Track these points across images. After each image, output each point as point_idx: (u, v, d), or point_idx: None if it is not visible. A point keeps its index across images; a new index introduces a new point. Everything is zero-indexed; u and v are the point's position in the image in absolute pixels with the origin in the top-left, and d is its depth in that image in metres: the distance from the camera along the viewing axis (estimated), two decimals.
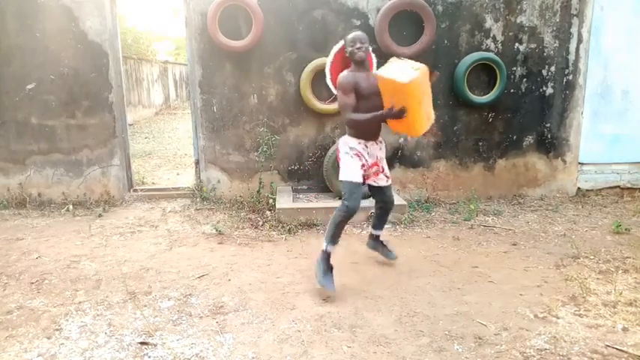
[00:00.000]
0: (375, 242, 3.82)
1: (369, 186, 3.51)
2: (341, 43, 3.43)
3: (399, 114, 2.96)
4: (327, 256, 3.26)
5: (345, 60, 3.42)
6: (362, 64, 3.26)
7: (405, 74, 2.91)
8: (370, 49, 3.41)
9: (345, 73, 3.26)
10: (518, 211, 5.33)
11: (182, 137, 11.20)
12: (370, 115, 3.13)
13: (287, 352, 2.57)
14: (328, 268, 3.25)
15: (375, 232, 3.80)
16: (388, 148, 5.35)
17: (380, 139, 3.43)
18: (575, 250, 4.06)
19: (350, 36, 3.25)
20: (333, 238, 3.24)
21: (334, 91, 3.44)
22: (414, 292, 3.29)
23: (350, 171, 3.24)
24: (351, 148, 3.29)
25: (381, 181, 3.48)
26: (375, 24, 5.27)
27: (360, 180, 3.26)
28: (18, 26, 5.14)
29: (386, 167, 3.50)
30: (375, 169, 3.41)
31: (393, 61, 3.11)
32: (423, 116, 3.09)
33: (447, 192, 5.73)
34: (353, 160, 3.27)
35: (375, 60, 3.65)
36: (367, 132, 3.31)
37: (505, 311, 3.01)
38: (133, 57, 14.48)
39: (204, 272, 3.63)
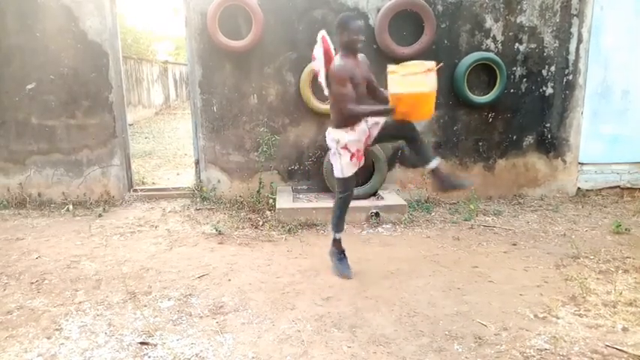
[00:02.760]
0: (437, 176, 3.31)
1: (378, 139, 3.38)
2: (321, 34, 3.26)
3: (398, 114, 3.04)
4: (337, 243, 3.54)
5: (327, 52, 3.28)
6: (356, 53, 3.25)
7: (421, 82, 2.95)
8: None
9: (340, 61, 3.16)
10: (519, 211, 5.33)
11: (182, 137, 11.20)
12: (371, 109, 3.18)
13: (287, 352, 2.57)
14: (341, 254, 3.54)
15: (429, 167, 3.28)
16: (389, 147, 5.34)
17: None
18: (575, 250, 4.06)
19: (356, 24, 3.17)
20: (338, 226, 3.50)
21: (326, 93, 3.29)
22: (414, 292, 3.29)
23: (341, 169, 3.36)
24: (338, 142, 3.29)
25: (375, 130, 3.31)
26: (375, 24, 5.27)
27: (352, 173, 3.37)
28: (18, 26, 5.13)
29: (378, 120, 3.31)
30: (367, 139, 3.35)
31: (397, 71, 3.03)
32: (432, 105, 3.16)
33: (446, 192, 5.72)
34: (342, 157, 3.32)
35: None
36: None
37: (505, 311, 3.01)
38: (133, 57, 14.48)
39: (204, 272, 3.63)
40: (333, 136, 3.32)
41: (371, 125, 3.34)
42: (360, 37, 3.18)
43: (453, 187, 3.42)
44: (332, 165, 3.45)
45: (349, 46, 3.20)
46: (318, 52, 3.25)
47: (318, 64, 3.26)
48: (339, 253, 3.55)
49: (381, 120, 3.33)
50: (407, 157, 3.51)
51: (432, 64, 3.02)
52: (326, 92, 3.33)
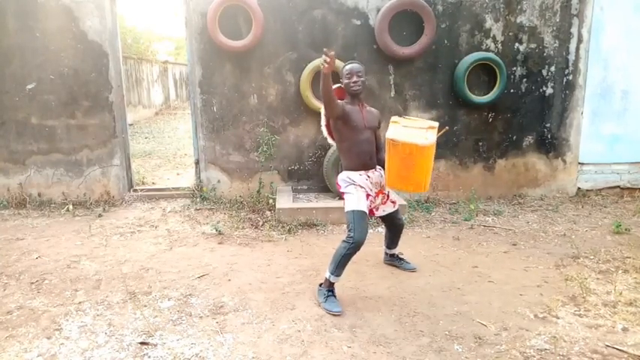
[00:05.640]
0: (392, 258, 3.79)
1: (383, 217, 3.48)
2: (337, 85, 3.29)
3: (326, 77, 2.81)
4: (330, 284, 3.12)
5: (341, 97, 3.28)
6: (356, 97, 3.18)
7: (420, 136, 2.90)
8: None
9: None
10: (519, 211, 5.33)
11: (182, 137, 11.20)
12: (324, 85, 2.88)
13: (287, 352, 2.57)
14: (329, 291, 3.11)
15: (389, 252, 3.77)
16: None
17: (379, 173, 3.31)
18: (575, 250, 4.06)
19: (347, 67, 3.14)
20: (337, 271, 3.08)
21: (330, 142, 3.37)
22: (413, 292, 3.29)
23: (353, 201, 3.09)
24: (353, 181, 3.16)
25: (389, 208, 3.40)
26: (375, 24, 5.27)
27: (365, 209, 3.10)
28: (18, 26, 5.14)
29: (391, 193, 3.39)
30: (380, 197, 3.31)
31: (399, 121, 3.04)
32: (431, 173, 3.08)
33: (446, 192, 5.73)
34: (357, 190, 3.13)
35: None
36: (364, 160, 3.19)
37: (505, 311, 3.01)
38: (133, 57, 14.48)
39: (204, 272, 3.63)
40: (347, 175, 3.21)
41: (383, 185, 3.31)
42: (352, 80, 3.09)
43: (402, 269, 3.74)
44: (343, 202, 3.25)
45: (348, 91, 3.16)
46: (324, 116, 3.35)
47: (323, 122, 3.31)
48: (327, 290, 3.11)
49: (396, 207, 3.44)
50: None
51: (435, 123, 3.04)
52: (330, 141, 3.36)
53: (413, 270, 3.66)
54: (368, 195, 3.19)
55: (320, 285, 3.19)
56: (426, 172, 3.01)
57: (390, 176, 3.08)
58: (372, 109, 3.35)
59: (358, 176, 3.18)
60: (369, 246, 4.18)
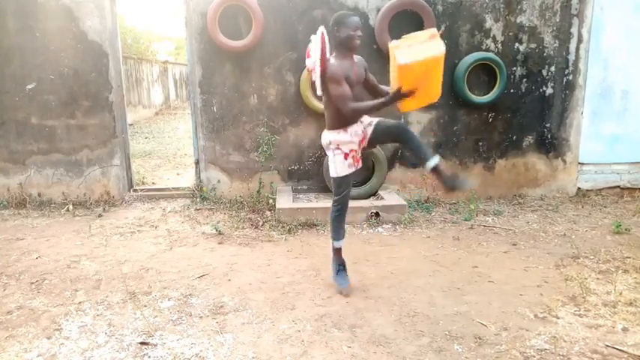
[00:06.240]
0: (439, 176, 3.08)
1: (373, 143, 3.29)
2: (320, 30, 3.01)
3: (407, 95, 2.84)
4: (337, 251, 3.36)
5: (322, 51, 3.06)
6: (352, 52, 3.09)
7: (431, 47, 2.80)
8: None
9: (334, 61, 3.06)
10: (518, 211, 5.33)
11: (182, 137, 11.20)
12: (375, 102, 2.99)
13: (287, 352, 2.57)
14: (340, 266, 3.36)
15: (428, 167, 3.04)
16: (389, 148, 5.35)
17: (362, 118, 3.21)
18: (575, 250, 4.06)
19: (350, 19, 3.00)
20: (337, 234, 3.32)
21: (318, 90, 3.11)
22: (413, 292, 3.29)
23: (335, 168, 3.22)
24: (330, 143, 3.18)
25: (370, 130, 3.19)
26: (375, 24, 5.27)
27: (343, 173, 3.20)
28: (18, 26, 5.14)
29: (372, 120, 3.20)
30: (363, 141, 3.22)
31: (400, 45, 2.88)
32: (439, 80, 2.93)
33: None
34: (336, 156, 3.19)
35: None
36: (349, 119, 3.11)
37: (505, 311, 3.01)
38: (133, 57, 14.49)
39: (204, 272, 3.63)
40: (326, 137, 3.23)
41: (366, 126, 3.22)
42: (357, 33, 3.01)
43: (453, 188, 3.12)
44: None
45: (346, 44, 3.04)
46: (314, 48, 3.00)
47: (312, 61, 3.02)
48: (337, 264, 3.35)
49: (375, 120, 3.24)
50: (407, 156, 3.56)
51: (433, 30, 2.92)
52: (319, 92, 3.16)
53: (471, 187, 3.61)
54: (350, 152, 3.16)
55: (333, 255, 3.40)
56: (441, 74, 2.92)
57: (405, 101, 2.96)
58: (358, 57, 3.21)
59: (337, 135, 3.15)
60: (369, 246, 4.20)
